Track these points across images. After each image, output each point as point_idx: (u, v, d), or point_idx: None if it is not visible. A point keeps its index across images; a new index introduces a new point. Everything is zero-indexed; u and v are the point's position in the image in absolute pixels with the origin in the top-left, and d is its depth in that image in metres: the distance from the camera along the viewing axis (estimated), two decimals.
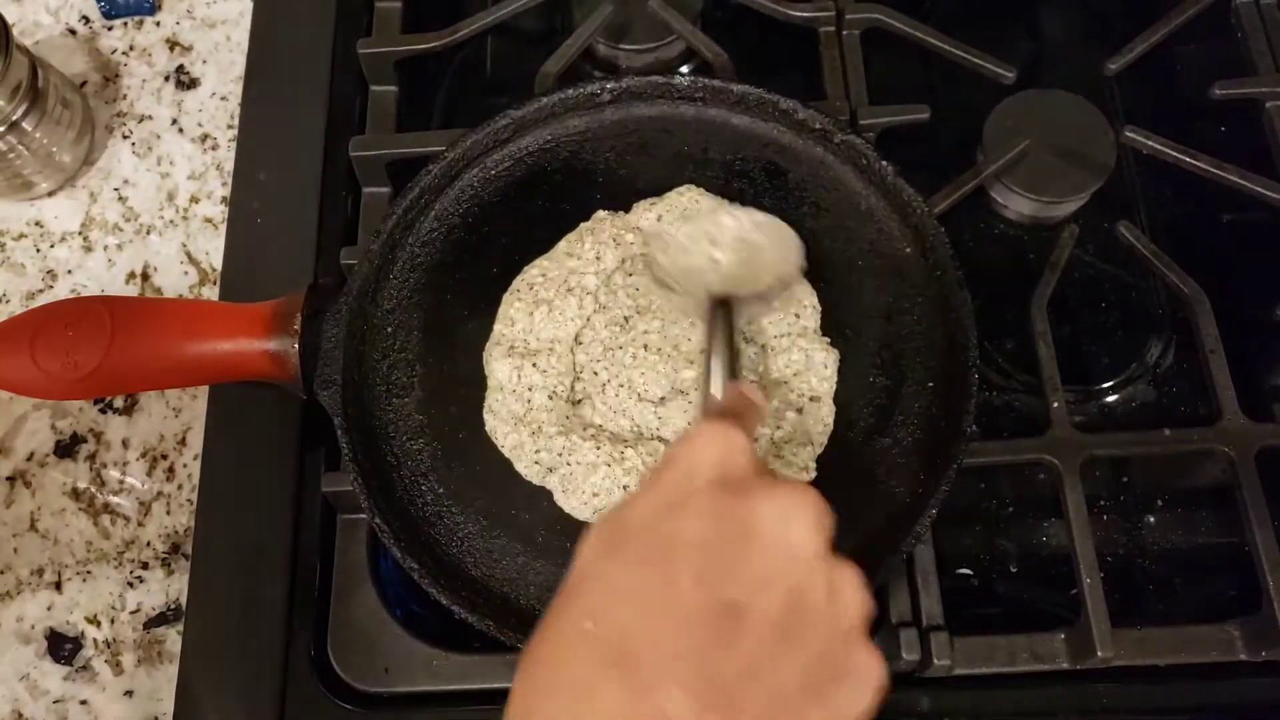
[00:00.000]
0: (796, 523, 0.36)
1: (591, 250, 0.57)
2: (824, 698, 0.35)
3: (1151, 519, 0.59)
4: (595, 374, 0.55)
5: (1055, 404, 0.55)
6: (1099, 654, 0.50)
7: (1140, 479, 0.60)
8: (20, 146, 0.63)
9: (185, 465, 0.60)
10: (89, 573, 0.58)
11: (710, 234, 0.51)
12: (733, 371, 0.47)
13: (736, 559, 0.35)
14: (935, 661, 0.51)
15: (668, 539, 0.36)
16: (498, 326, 0.57)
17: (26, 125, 0.63)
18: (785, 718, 0.34)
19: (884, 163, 0.57)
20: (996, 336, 0.62)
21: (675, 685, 0.33)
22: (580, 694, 0.34)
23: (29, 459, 0.61)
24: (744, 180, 0.59)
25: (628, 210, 0.59)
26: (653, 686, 0.33)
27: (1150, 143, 0.62)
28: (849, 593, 0.37)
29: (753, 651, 0.34)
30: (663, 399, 0.53)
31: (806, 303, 0.56)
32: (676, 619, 0.34)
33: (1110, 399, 0.61)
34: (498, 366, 0.55)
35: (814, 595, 0.36)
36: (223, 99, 0.70)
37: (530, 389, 0.54)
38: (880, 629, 0.53)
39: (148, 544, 0.59)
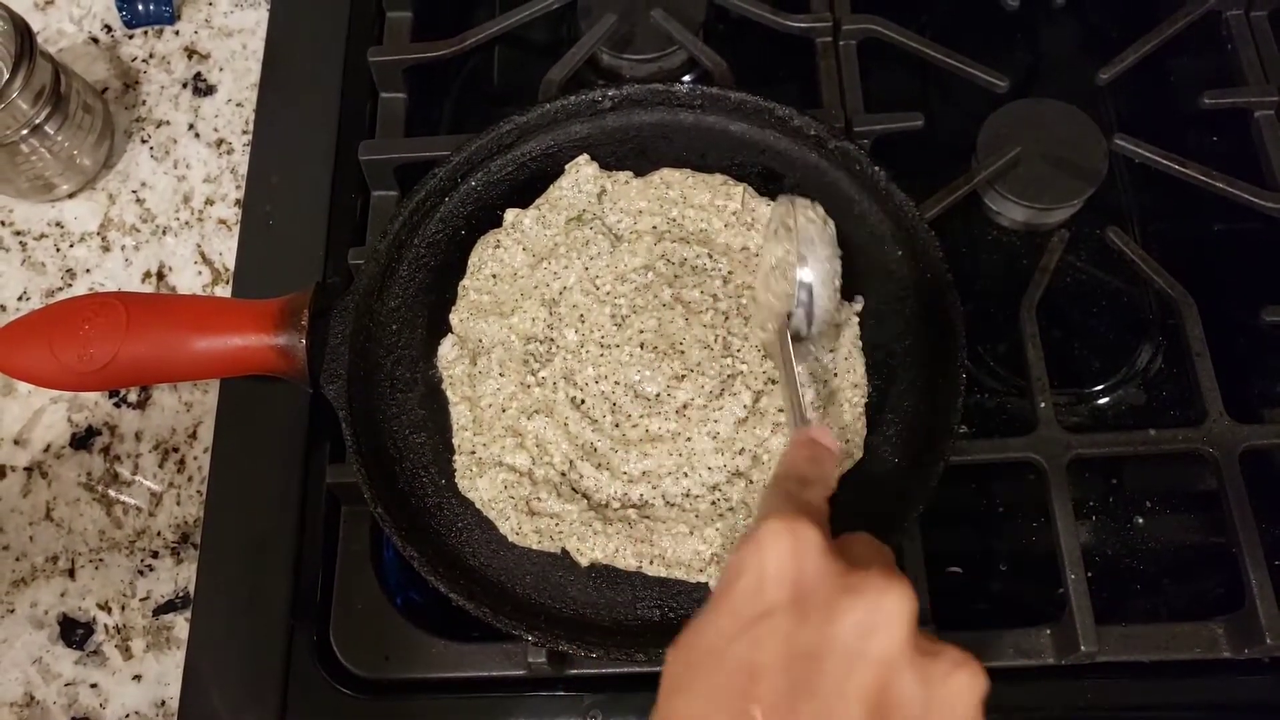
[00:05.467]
0: (880, 625, 0.34)
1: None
2: None
3: (1140, 520, 0.60)
4: (588, 369, 0.56)
5: (1043, 404, 0.56)
6: (1082, 649, 0.51)
7: (1130, 481, 0.61)
8: (43, 149, 0.65)
9: (196, 458, 0.62)
10: (101, 561, 0.60)
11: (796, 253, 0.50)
12: (799, 411, 0.45)
13: (811, 678, 0.33)
14: None
15: (738, 670, 0.34)
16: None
17: (49, 129, 0.65)
18: None
19: (876, 168, 0.58)
20: (989, 340, 0.63)
21: None
22: None
23: (45, 450, 0.63)
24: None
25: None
26: None
27: (1140, 151, 0.63)
28: (954, 680, 0.34)
29: None
30: (657, 395, 0.55)
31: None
32: None
33: (1100, 402, 0.62)
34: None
35: (905, 693, 0.33)
36: (238, 105, 0.72)
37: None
38: None
39: (158, 534, 0.61)
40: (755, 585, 0.35)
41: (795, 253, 0.49)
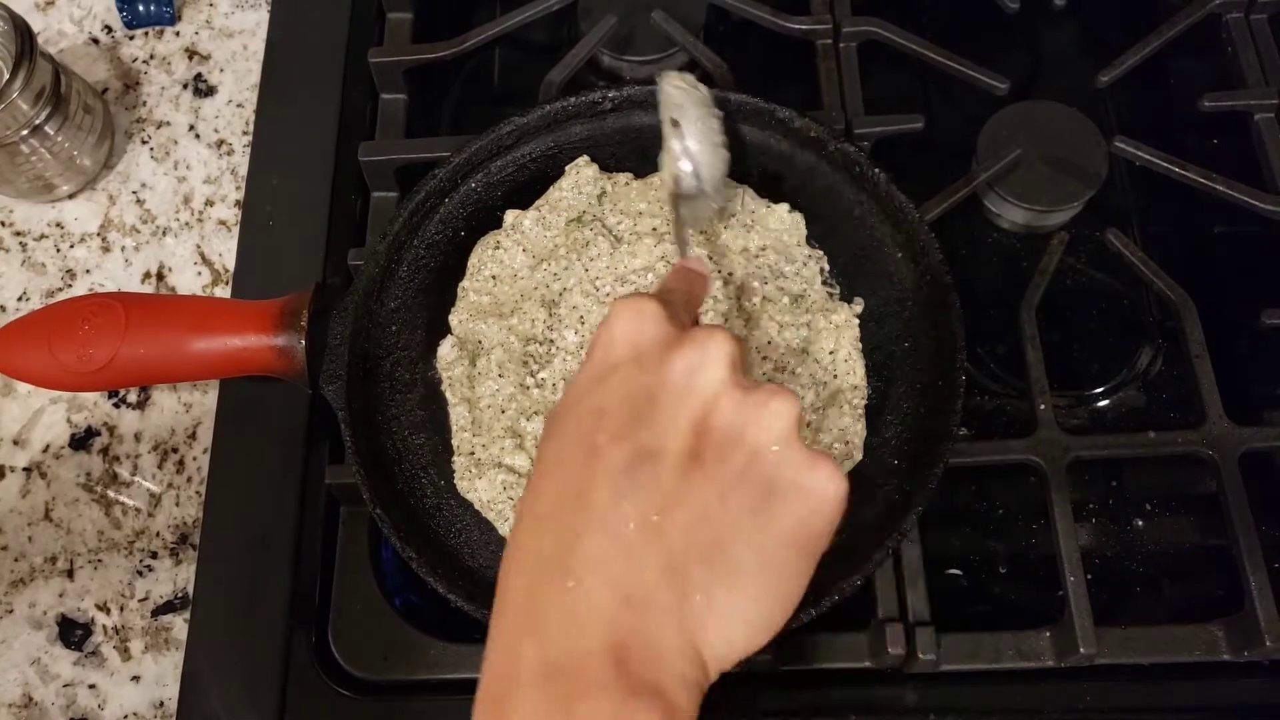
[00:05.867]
0: (703, 365, 0.39)
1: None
2: (761, 513, 0.38)
3: (1140, 522, 0.60)
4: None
5: (1042, 406, 0.56)
6: (1081, 651, 0.51)
7: (1130, 483, 0.61)
8: (43, 150, 0.65)
9: (195, 459, 0.62)
10: (100, 561, 0.60)
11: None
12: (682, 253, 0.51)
13: (649, 411, 0.39)
14: (920, 657, 0.52)
15: (590, 412, 0.40)
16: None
17: (49, 129, 0.65)
18: (722, 540, 0.37)
19: (876, 170, 0.58)
20: (989, 342, 0.63)
21: (601, 535, 0.37)
22: (524, 566, 0.39)
23: (45, 451, 0.63)
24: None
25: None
26: (580, 536, 0.37)
27: (1140, 153, 0.63)
28: (767, 408, 0.39)
29: (671, 487, 0.38)
30: None
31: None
32: (602, 476, 0.38)
33: (1100, 404, 0.62)
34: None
35: (724, 418, 0.39)
36: (238, 106, 0.72)
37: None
38: (867, 625, 0.54)
39: (157, 534, 0.61)
40: (605, 346, 0.41)
41: (666, 121, 0.54)
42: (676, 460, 0.38)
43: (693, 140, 0.53)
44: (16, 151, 0.65)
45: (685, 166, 0.53)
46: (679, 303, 0.44)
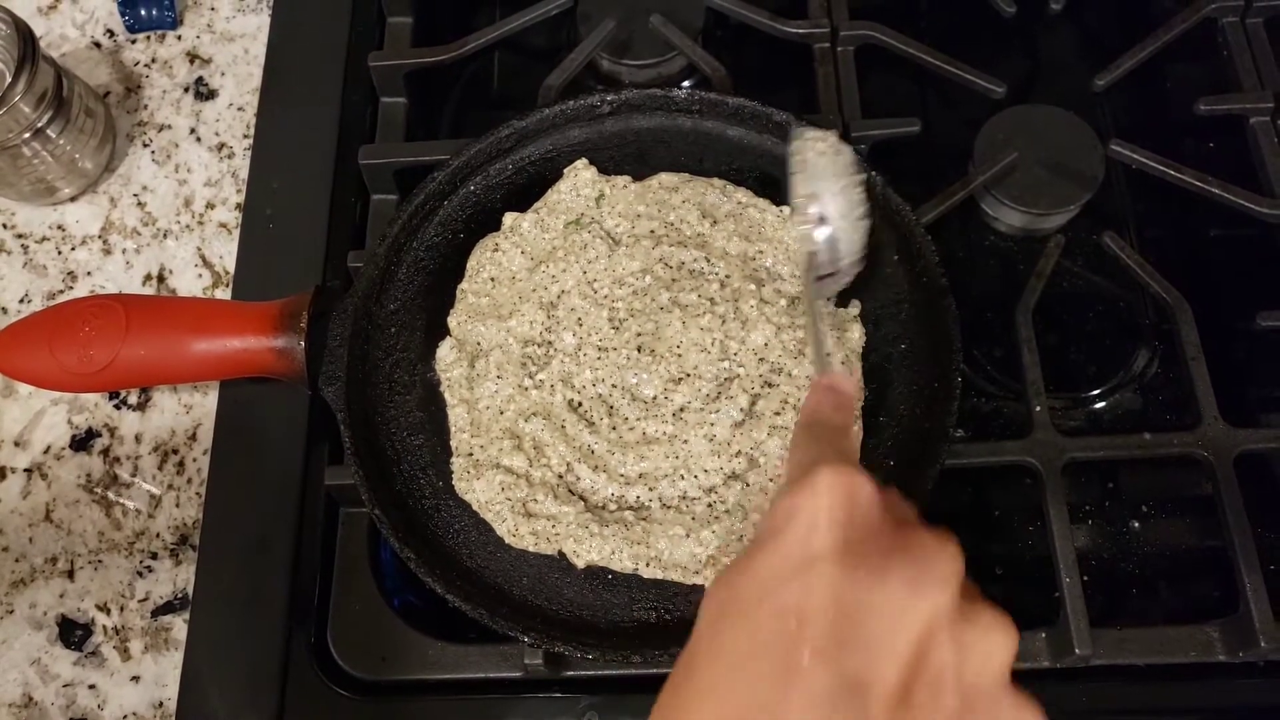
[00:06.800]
0: (926, 585, 0.34)
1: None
2: None
3: (1136, 524, 0.60)
4: (585, 373, 0.56)
5: (1038, 407, 0.57)
6: (1077, 651, 0.51)
7: (1126, 485, 0.61)
8: (45, 153, 0.66)
9: (195, 460, 0.62)
10: (100, 562, 0.60)
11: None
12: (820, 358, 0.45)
13: (858, 630, 0.34)
14: None
15: (787, 612, 0.34)
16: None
17: (51, 133, 0.65)
18: None
19: (872, 173, 0.59)
20: (985, 344, 0.63)
21: None
22: None
23: (45, 452, 0.63)
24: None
25: None
26: None
27: (1136, 156, 0.63)
28: (987, 643, 0.35)
29: None
30: (654, 398, 0.55)
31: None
32: (799, 701, 0.33)
33: (1097, 406, 0.62)
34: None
35: (941, 655, 0.34)
36: (239, 109, 0.72)
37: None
38: None
39: (157, 535, 0.61)
40: (807, 530, 0.35)
41: (799, 185, 0.48)
42: (886, 698, 0.33)
43: (834, 214, 0.48)
44: (19, 154, 0.65)
45: (821, 240, 0.48)
46: (856, 455, 0.39)
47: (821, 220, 0.48)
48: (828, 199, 0.48)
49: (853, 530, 0.35)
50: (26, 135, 0.64)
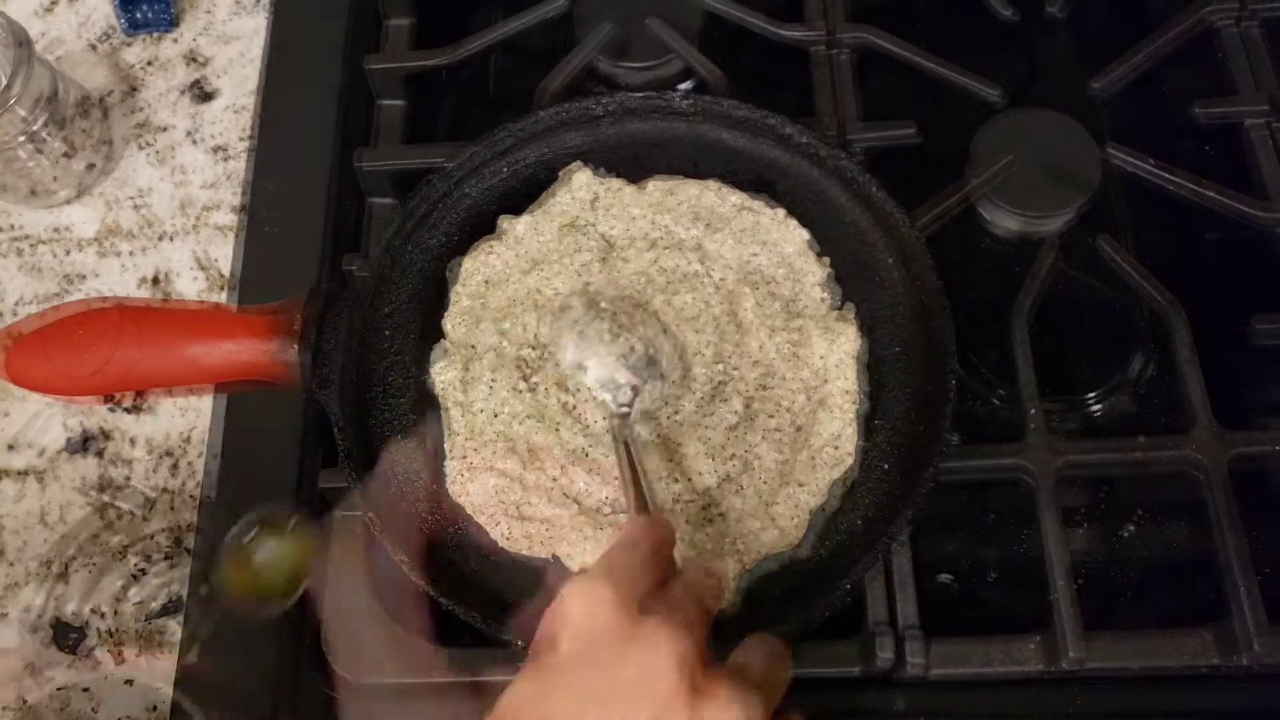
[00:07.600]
0: (657, 673, 0.38)
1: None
2: None
3: (1130, 529, 0.60)
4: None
5: (1032, 411, 0.57)
6: (1070, 656, 0.51)
7: (1120, 490, 0.61)
8: (41, 155, 0.66)
9: (190, 463, 0.62)
10: (95, 565, 0.60)
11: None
12: (641, 498, 0.48)
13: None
14: (910, 663, 0.52)
15: None
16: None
17: (48, 135, 0.65)
18: None
19: (868, 176, 0.59)
20: (981, 348, 0.63)
21: None
22: None
23: (41, 455, 0.63)
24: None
25: None
26: None
27: (1132, 160, 0.63)
28: (728, 714, 0.38)
29: None
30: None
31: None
32: None
33: (1092, 410, 0.62)
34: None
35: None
36: (237, 111, 0.72)
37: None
38: (857, 631, 0.54)
39: (152, 538, 0.61)
40: (550, 641, 0.40)
41: (575, 364, 0.54)
42: None
43: (607, 371, 0.53)
44: (15, 157, 0.65)
45: (625, 398, 0.53)
46: (637, 572, 0.42)
47: (615, 384, 0.53)
48: (595, 366, 0.53)
49: (593, 633, 0.39)
50: (22, 138, 0.64)
